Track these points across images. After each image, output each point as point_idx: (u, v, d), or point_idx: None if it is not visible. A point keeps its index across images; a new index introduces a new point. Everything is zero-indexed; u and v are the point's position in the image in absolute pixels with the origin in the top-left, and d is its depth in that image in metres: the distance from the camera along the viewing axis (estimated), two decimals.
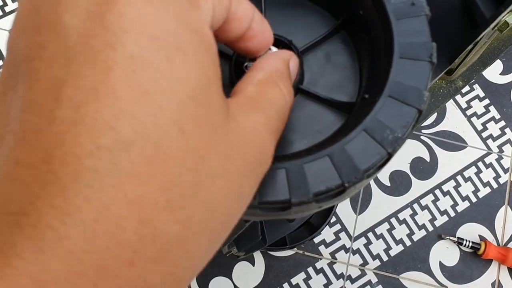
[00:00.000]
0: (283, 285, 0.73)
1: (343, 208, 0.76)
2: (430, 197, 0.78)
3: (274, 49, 0.27)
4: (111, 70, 0.12)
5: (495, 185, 0.78)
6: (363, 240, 0.75)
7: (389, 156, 0.26)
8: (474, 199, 0.78)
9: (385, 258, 0.75)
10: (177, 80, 0.12)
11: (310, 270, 0.74)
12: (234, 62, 0.33)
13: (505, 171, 0.79)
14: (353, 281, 0.74)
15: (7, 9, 0.81)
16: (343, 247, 0.75)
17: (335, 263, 0.74)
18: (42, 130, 0.12)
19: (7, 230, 0.11)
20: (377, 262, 0.75)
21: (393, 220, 0.76)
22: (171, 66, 0.12)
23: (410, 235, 0.76)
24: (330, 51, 0.33)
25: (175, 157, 0.12)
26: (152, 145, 0.12)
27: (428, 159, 0.79)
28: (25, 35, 0.13)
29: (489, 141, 0.80)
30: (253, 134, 0.17)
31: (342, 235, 0.75)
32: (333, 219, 0.76)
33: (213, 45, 0.15)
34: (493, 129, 0.81)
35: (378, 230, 0.76)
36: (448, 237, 0.75)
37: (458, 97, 0.82)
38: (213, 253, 0.14)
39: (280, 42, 0.33)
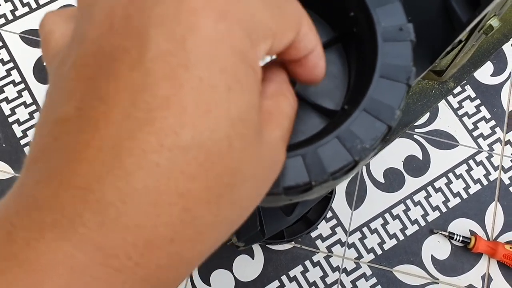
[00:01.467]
0: (281, 277, 0.76)
1: (339, 203, 0.79)
2: (423, 193, 0.81)
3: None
4: (183, 87, 0.15)
5: (485, 182, 0.81)
6: (358, 235, 0.79)
7: (355, 163, 0.29)
8: (465, 196, 0.81)
9: (379, 251, 0.78)
10: (233, 105, 0.15)
11: (307, 263, 0.77)
12: None
13: (495, 168, 0.82)
14: (348, 273, 0.77)
15: (17, 13, 0.84)
16: (339, 241, 0.78)
17: (331, 256, 0.77)
18: (115, 123, 0.14)
19: (74, 202, 0.14)
20: (371, 256, 0.78)
21: (387, 216, 0.79)
22: (230, 94, 0.15)
23: (403, 229, 0.79)
24: (325, 60, 0.37)
25: (220, 164, 0.15)
26: (205, 152, 0.15)
27: (420, 157, 0.82)
28: (113, 36, 0.15)
29: (480, 140, 0.83)
30: (275, 147, 0.20)
31: (338, 229, 0.78)
32: (329, 214, 0.79)
33: (260, 75, 0.18)
34: (484, 128, 0.84)
35: (372, 225, 0.79)
36: (440, 232, 0.78)
37: (450, 98, 0.85)
38: (226, 239, 0.18)
39: None
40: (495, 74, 0.86)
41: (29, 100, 0.81)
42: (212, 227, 0.16)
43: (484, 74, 0.86)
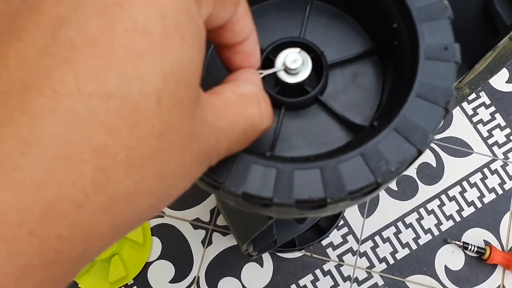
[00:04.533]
0: (291, 286, 0.74)
1: (351, 211, 0.77)
2: (436, 202, 0.79)
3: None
4: (114, 26, 0.13)
5: (500, 191, 0.80)
6: (370, 243, 0.76)
7: (377, 185, 0.27)
8: (479, 205, 0.79)
9: (391, 261, 0.76)
10: (168, 57, 0.13)
11: (318, 272, 0.75)
12: (264, 57, 0.34)
13: (510, 177, 0.80)
14: (359, 283, 0.75)
15: None
16: (350, 249, 0.76)
17: (342, 265, 0.75)
18: (29, 61, 0.12)
19: None
20: (383, 265, 0.76)
21: (399, 224, 0.77)
22: (167, 43, 0.13)
23: (416, 239, 0.77)
24: (358, 71, 0.34)
25: (146, 121, 0.13)
26: (129, 104, 0.13)
27: (434, 165, 0.80)
28: None
29: (495, 148, 0.81)
30: (212, 133, 0.17)
31: (350, 238, 0.76)
32: (341, 222, 0.77)
33: (204, 37, 0.16)
34: (499, 136, 0.82)
35: (385, 234, 0.77)
36: (454, 242, 0.76)
37: (464, 104, 0.83)
38: (147, 219, 0.15)
39: (312, 51, 0.34)
40: (510, 80, 0.85)
41: None
42: (130, 197, 0.13)
43: (500, 80, 0.84)
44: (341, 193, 0.27)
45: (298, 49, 0.34)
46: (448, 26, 0.30)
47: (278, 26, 0.37)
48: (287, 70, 0.34)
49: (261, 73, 0.34)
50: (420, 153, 0.28)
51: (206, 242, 0.74)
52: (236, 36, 0.20)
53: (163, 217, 0.75)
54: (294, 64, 0.33)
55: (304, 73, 0.34)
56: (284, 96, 0.35)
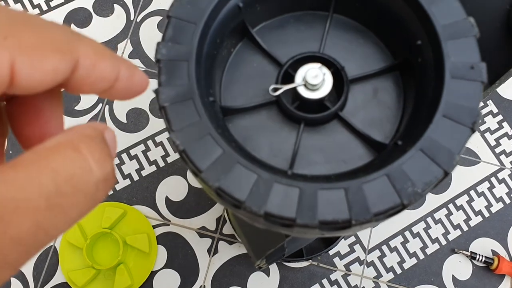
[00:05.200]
0: None
1: None
2: (444, 211, 0.78)
3: None
4: None
5: (508, 201, 0.79)
6: (377, 253, 0.76)
7: (403, 207, 0.26)
8: (487, 214, 0.78)
9: (398, 271, 0.75)
10: None
11: (325, 281, 0.74)
12: (284, 72, 0.34)
13: None
14: None
15: None
16: (357, 259, 0.75)
17: (350, 275, 0.75)
18: None
19: None
20: (390, 275, 0.75)
21: (407, 233, 0.77)
22: None
23: (423, 248, 0.76)
24: (379, 87, 0.34)
25: None
26: None
27: None
28: None
29: (502, 157, 0.81)
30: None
31: (357, 247, 0.76)
32: None
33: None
34: (506, 145, 0.82)
35: (392, 243, 0.76)
36: (461, 251, 0.76)
37: None
38: None
39: (332, 66, 0.33)
40: None
41: None
42: None
43: (507, 89, 0.84)
44: (366, 214, 0.26)
45: (319, 64, 0.33)
46: (474, 44, 0.29)
47: (297, 39, 0.36)
48: (307, 85, 0.33)
49: (281, 88, 0.33)
50: (446, 174, 0.28)
51: (212, 251, 0.74)
52: (100, 85, 0.19)
53: (168, 225, 0.74)
54: (315, 80, 0.32)
55: (325, 89, 0.33)
56: (303, 111, 0.35)
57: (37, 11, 0.81)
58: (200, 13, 0.31)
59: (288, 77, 0.35)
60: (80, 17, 0.81)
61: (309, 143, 0.35)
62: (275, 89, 0.33)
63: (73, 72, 0.17)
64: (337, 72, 0.34)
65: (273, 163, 0.33)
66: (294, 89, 0.33)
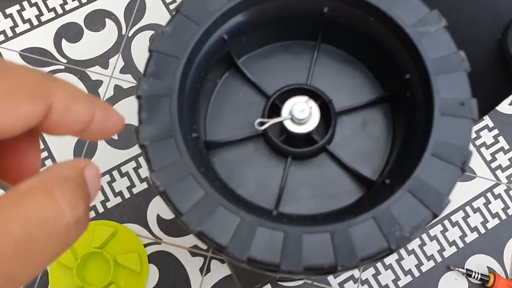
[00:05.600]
0: None
1: None
2: (439, 227, 0.77)
3: None
4: None
5: (503, 216, 0.78)
6: (371, 270, 0.75)
7: (390, 251, 0.25)
8: (483, 230, 0.78)
9: None
10: None
11: None
12: (271, 104, 0.33)
13: None
14: None
15: (17, 30, 0.80)
16: (351, 277, 0.74)
17: None
18: None
19: None
20: None
21: (401, 251, 0.76)
22: None
23: (418, 266, 0.76)
24: (368, 119, 0.33)
25: None
26: None
27: None
28: None
29: (498, 172, 0.80)
30: None
31: None
32: None
33: None
34: (502, 159, 0.81)
35: (386, 261, 0.75)
36: (457, 269, 0.75)
37: None
38: None
39: (319, 98, 0.32)
40: None
41: None
42: None
43: (503, 102, 0.83)
44: (353, 260, 0.25)
45: (305, 98, 0.32)
46: (465, 79, 0.28)
47: (284, 69, 0.36)
48: (294, 119, 0.32)
49: (267, 122, 0.32)
50: (435, 217, 0.27)
51: (205, 270, 0.73)
52: (74, 126, 0.19)
53: (160, 244, 0.73)
54: (302, 114, 0.31)
55: (312, 123, 0.32)
56: (290, 145, 0.34)
57: (27, 26, 0.80)
58: (183, 47, 0.30)
59: (275, 109, 0.34)
60: (71, 32, 0.80)
61: (297, 177, 0.34)
62: (261, 123, 0.32)
63: (47, 116, 0.17)
64: (325, 104, 0.33)
65: (259, 199, 0.32)
66: (281, 122, 0.32)
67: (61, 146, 0.76)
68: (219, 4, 0.30)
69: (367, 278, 0.74)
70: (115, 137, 0.76)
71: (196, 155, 0.30)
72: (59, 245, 0.16)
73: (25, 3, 0.81)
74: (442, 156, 0.27)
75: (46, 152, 0.76)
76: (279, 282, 0.72)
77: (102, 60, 0.79)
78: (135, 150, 0.76)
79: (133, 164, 0.76)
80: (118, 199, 0.74)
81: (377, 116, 0.33)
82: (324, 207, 0.32)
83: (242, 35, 0.33)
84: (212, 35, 0.32)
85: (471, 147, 0.80)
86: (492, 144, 0.81)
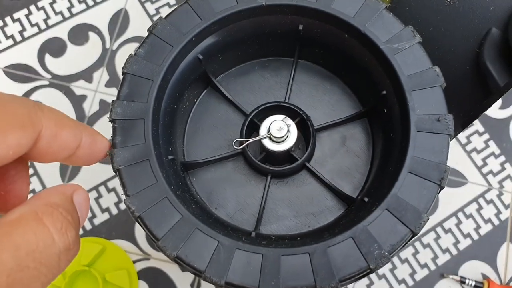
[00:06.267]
0: None
1: None
2: (432, 235, 0.77)
3: None
4: None
5: (496, 222, 0.78)
6: (365, 281, 0.74)
7: (370, 271, 0.25)
8: (476, 236, 0.77)
9: None
10: None
11: None
12: (249, 121, 0.32)
13: (506, 207, 0.78)
14: None
15: (0, 46, 0.79)
16: None
17: None
18: None
19: None
20: None
21: (395, 260, 0.75)
22: None
23: (412, 274, 0.75)
24: (347, 135, 0.32)
25: None
26: None
27: None
28: None
29: (490, 177, 0.80)
30: None
31: None
32: None
33: None
34: (493, 164, 0.80)
35: (380, 270, 0.75)
36: (451, 276, 0.74)
37: None
38: None
39: (298, 115, 0.32)
40: (503, 106, 0.83)
41: None
42: None
43: (493, 107, 0.83)
44: (332, 280, 0.25)
45: (283, 116, 0.31)
46: (441, 95, 0.28)
47: (263, 86, 0.35)
48: (272, 138, 0.31)
49: (245, 141, 0.32)
50: (414, 234, 0.26)
51: (195, 285, 0.72)
52: (62, 152, 0.20)
53: (149, 259, 0.72)
54: (279, 132, 0.31)
55: (290, 141, 0.31)
56: (270, 163, 0.33)
57: (10, 41, 0.79)
58: (157, 68, 0.29)
59: (254, 127, 0.34)
60: (54, 47, 0.79)
61: (277, 196, 0.33)
62: (240, 142, 0.32)
63: (35, 143, 0.18)
64: (303, 122, 0.33)
65: (239, 220, 0.31)
66: (260, 140, 0.32)
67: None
68: (193, 24, 0.29)
69: None
70: None
71: (172, 177, 0.29)
72: (50, 273, 0.16)
73: (7, 19, 0.80)
74: (419, 173, 0.27)
75: (31, 169, 0.75)
76: None
77: (86, 75, 0.78)
78: None
79: None
80: (106, 215, 0.73)
81: (356, 132, 0.32)
82: (305, 225, 0.32)
83: (217, 54, 0.33)
84: (186, 56, 0.31)
85: (463, 153, 0.80)
86: (483, 149, 0.81)
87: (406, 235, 0.25)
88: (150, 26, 0.31)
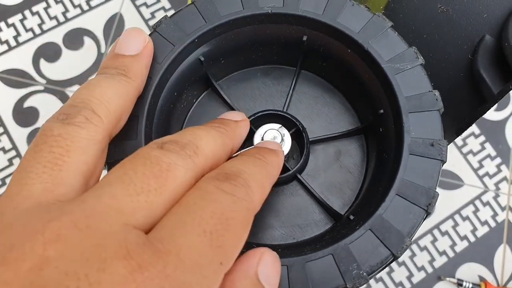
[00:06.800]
0: None
1: None
2: (429, 237, 0.77)
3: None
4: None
5: (493, 224, 0.78)
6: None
7: None
8: (472, 239, 0.77)
9: None
10: None
11: None
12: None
13: (502, 209, 0.78)
14: None
15: None
16: None
17: None
18: None
19: None
20: None
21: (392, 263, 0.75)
22: None
23: (409, 277, 0.75)
24: (342, 150, 0.32)
25: None
26: None
27: None
28: None
29: (486, 179, 0.80)
30: None
31: None
32: None
33: None
34: (489, 166, 0.80)
35: (377, 274, 0.75)
36: (448, 279, 0.74)
37: None
38: None
39: (294, 125, 0.32)
40: (499, 108, 0.83)
41: (8, 146, 0.76)
42: None
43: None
44: None
45: (278, 125, 0.31)
46: (438, 119, 0.27)
47: (263, 94, 0.35)
48: None
49: (240, 148, 0.31)
50: (395, 258, 0.26)
51: None
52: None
53: None
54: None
55: (283, 151, 0.31)
56: None
57: (5, 47, 0.79)
58: (157, 66, 0.29)
59: (250, 133, 0.34)
60: (50, 52, 0.79)
61: (267, 205, 0.33)
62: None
63: None
64: (299, 133, 0.33)
65: None
66: None
67: None
68: (197, 25, 0.29)
69: None
70: None
71: None
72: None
73: (1, 24, 0.80)
74: (407, 196, 0.26)
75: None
76: None
77: (81, 79, 0.78)
78: None
79: None
80: None
81: (352, 148, 0.32)
82: (290, 237, 0.32)
83: (219, 57, 0.33)
84: (188, 56, 0.31)
85: (459, 155, 0.80)
86: (479, 151, 0.81)
87: (387, 257, 0.25)
88: (154, 24, 0.31)
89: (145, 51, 0.25)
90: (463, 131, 0.33)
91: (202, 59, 0.32)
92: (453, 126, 0.33)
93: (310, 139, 0.31)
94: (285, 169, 0.32)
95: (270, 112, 0.33)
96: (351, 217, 0.27)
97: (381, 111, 0.28)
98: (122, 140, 0.28)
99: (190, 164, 0.18)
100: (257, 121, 0.33)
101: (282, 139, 0.31)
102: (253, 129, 0.33)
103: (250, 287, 0.17)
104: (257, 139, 0.32)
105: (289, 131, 0.32)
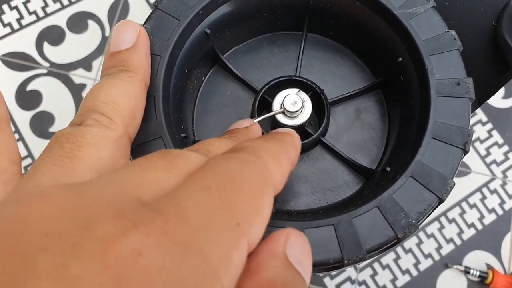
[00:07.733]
0: None
1: None
2: (436, 224, 0.76)
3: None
4: None
5: (500, 212, 0.77)
6: (369, 271, 0.73)
7: (398, 241, 0.24)
8: (480, 226, 0.76)
9: None
10: None
11: None
12: (260, 98, 0.31)
13: (510, 197, 0.78)
14: None
15: None
16: (348, 278, 0.73)
17: None
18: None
19: None
20: None
21: (399, 249, 0.75)
22: None
23: (416, 264, 0.74)
24: (361, 108, 0.31)
25: None
26: None
27: None
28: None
29: (493, 166, 0.79)
30: None
31: None
32: None
33: None
34: (497, 154, 0.80)
35: (383, 260, 0.74)
36: (455, 266, 0.73)
37: None
38: None
39: (311, 89, 0.31)
40: (506, 96, 0.83)
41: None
42: None
43: (495, 96, 0.82)
44: (359, 252, 0.24)
45: (296, 90, 0.30)
46: (458, 58, 0.27)
47: (271, 62, 0.34)
48: (286, 113, 0.30)
49: (259, 118, 0.31)
50: (441, 201, 0.25)
51: None
52: None
53: None
54: (294, 107, 0.30)
55: (305, 115, 0.30)
56: None
57: (8, 30, 0.78)
58: (165, 43, 0.28)
59: (265, 103, 0.33)
60: (53, 35, 0.78)
61: (294, 174, 0.32)
62: (253, 113, 0.31)
63: None
64: (316, 95, 0.32)
65: None
66: (272, 116, 0.31)
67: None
68: None
69: (364, 279, 0.73)
70: None
71: None
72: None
73: (4, 7, 0.79)
74: (442, 138, 0.26)
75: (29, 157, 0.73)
76: None
77: (85, 63, 0.77)
78: None
79: None
80: None
81: (370, 104, 0.32)
82: (323, 201, 0.31)
83: (225, 28, 0.32)
84: (194, 30, 0.30)
85: None
86: (486, 139, 0.80)
87: (433, 201, 0.24)
88: (155, 1, 0.30)
89: (139, 40, 0.24)
90: (485, 100, 0.33)
91: (208, 31, 0.31)
92: (476, 95, 0.32)
93: (328, 100, 0.31)
94: (307, 134, 0.31)
95: (284, 78, 0.32)
96: (388, 169, 0.27)
97: (400, 59, 0.28)
98: (143, 122, 0.27)
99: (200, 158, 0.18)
100: (271, 90, 0.32)
101: (303, 105, 0.30)
102: (269, 99, 0.32)
103: (281, 269, 0.15)
104: (276, 106, 0.31)
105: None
